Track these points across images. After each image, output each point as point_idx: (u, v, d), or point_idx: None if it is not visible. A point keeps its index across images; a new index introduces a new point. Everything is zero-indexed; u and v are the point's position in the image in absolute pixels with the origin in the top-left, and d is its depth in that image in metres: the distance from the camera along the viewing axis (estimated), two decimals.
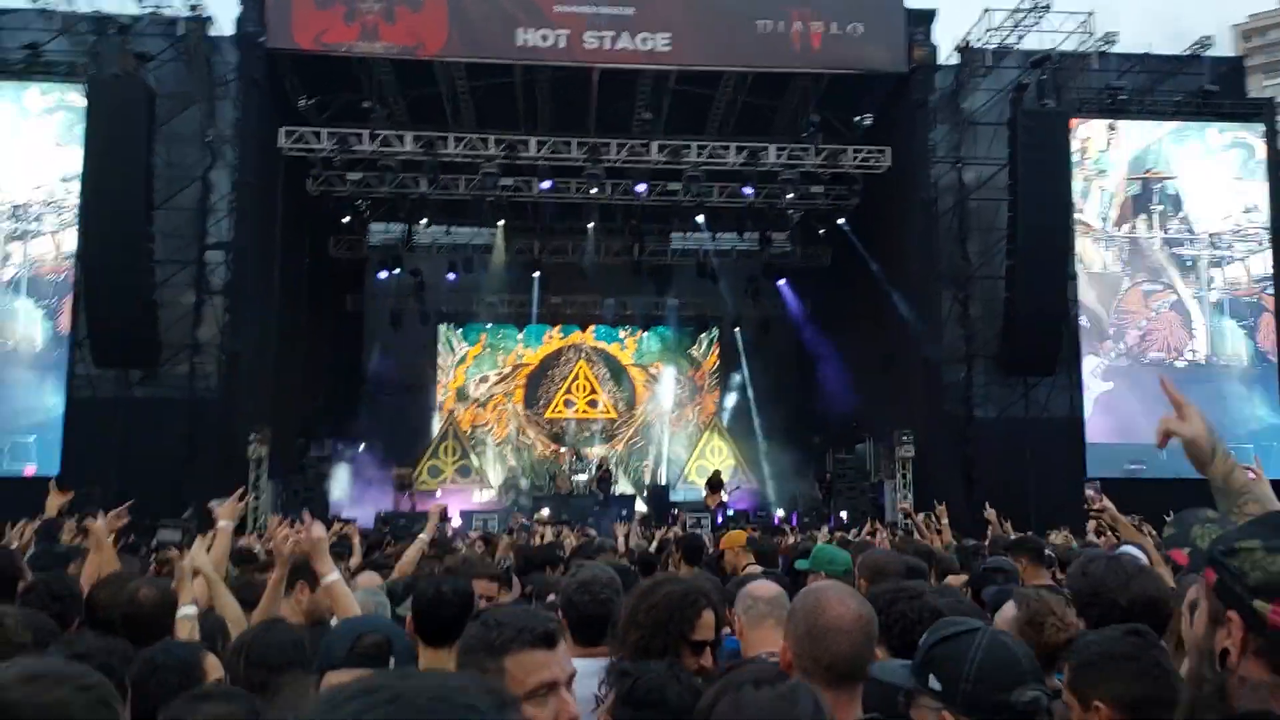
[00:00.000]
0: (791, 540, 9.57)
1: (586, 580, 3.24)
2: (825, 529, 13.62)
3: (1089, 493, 6.02)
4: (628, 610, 2.81)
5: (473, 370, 27.39)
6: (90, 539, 5.30)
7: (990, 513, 9.00)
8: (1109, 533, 8.72)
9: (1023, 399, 19.81)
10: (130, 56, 17.76)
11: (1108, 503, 5.92)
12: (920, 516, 9.79)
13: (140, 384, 18.48)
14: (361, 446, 23.37)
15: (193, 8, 18.78)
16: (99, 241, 17.72)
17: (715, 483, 21.25)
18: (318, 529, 3.64)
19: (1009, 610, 3.13)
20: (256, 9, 18.77)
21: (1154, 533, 9.66)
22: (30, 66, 18.57)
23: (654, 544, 9.77)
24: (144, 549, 9.57)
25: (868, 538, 9.69)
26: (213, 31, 19.20)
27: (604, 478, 22.61)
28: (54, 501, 5.89)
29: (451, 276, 24.85)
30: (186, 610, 3.48)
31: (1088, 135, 20.75)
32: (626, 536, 9.95)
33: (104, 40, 18.45)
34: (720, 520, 18.37)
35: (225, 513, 4.60)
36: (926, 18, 19.99)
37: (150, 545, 9.76)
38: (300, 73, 20.40)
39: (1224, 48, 21.18)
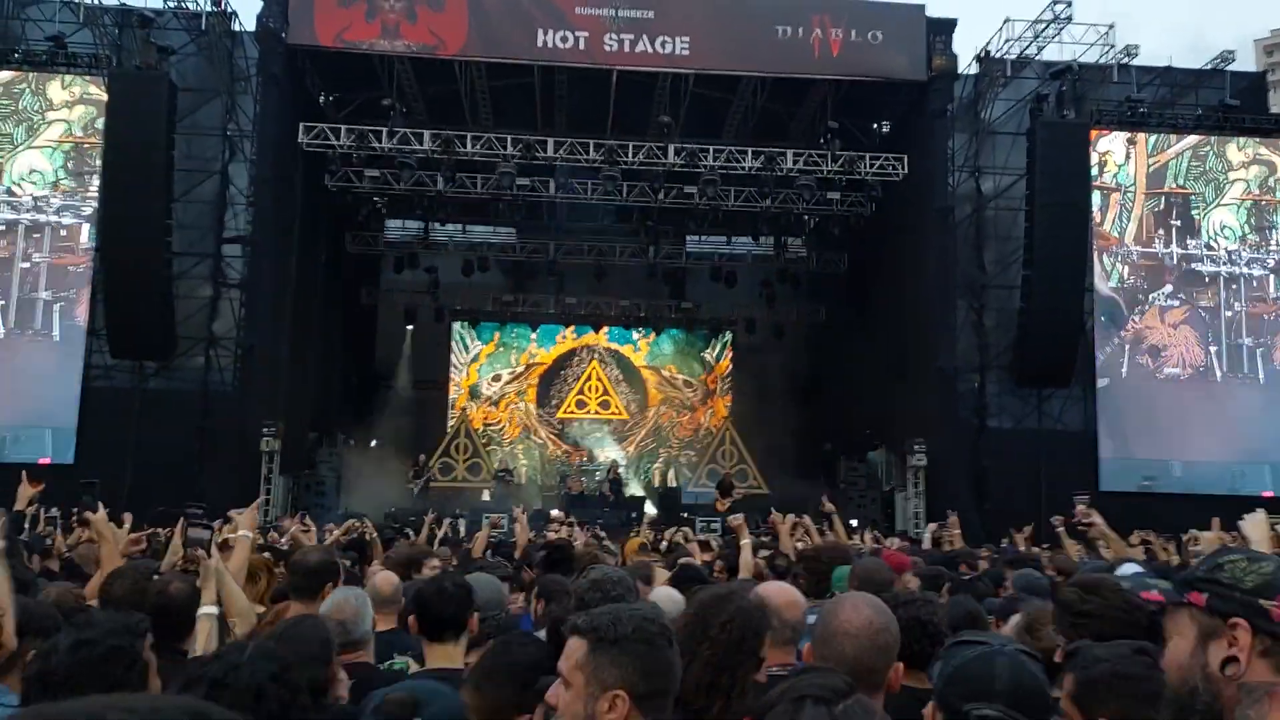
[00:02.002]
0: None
1: (599, 579, 3.25)
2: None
3: (1078, 506, 5.96)
4: (695, 623, 2.73)
5: (485, 369, 27.44)
6: (94, 531, 5.29)
7: (1027, 532, 8.95)
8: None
9: (1036, 410, 19.73)
10: (152, 50, 17.89)
11: (1097, 517, 5.86)
12: (932, 526, 9.76)
13: (155, 376, 18.61)
14: (374, 443, 23.43)
15: (215, 3, 18.94)
16: (118, 234, 17.84)
17: (726, 487, 21.20)
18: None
19: (1015, 618, 3.20)
20: (279, 5, 18.86)
21: (1168, 546, 9.62)
22: (54, 59, 18.72)
23: (663, 546, 9.75)
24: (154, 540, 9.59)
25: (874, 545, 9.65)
26: (235, 27, 19.35)
27: (615, 480, 22.59)
28: (24, 493, 5.82)
29: (467, 275, 24.91)
30: (208, 609, 3.52)
31: (1107, 149, 20.67)
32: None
33: (127, 33, 18.60)
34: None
35: (246, 522, 4.62)
36: (947, 26, 19.94)
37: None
38: (321, 69, 20.50)
39: (1246, 62, 21.04)
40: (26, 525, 6.37)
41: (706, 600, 2.80)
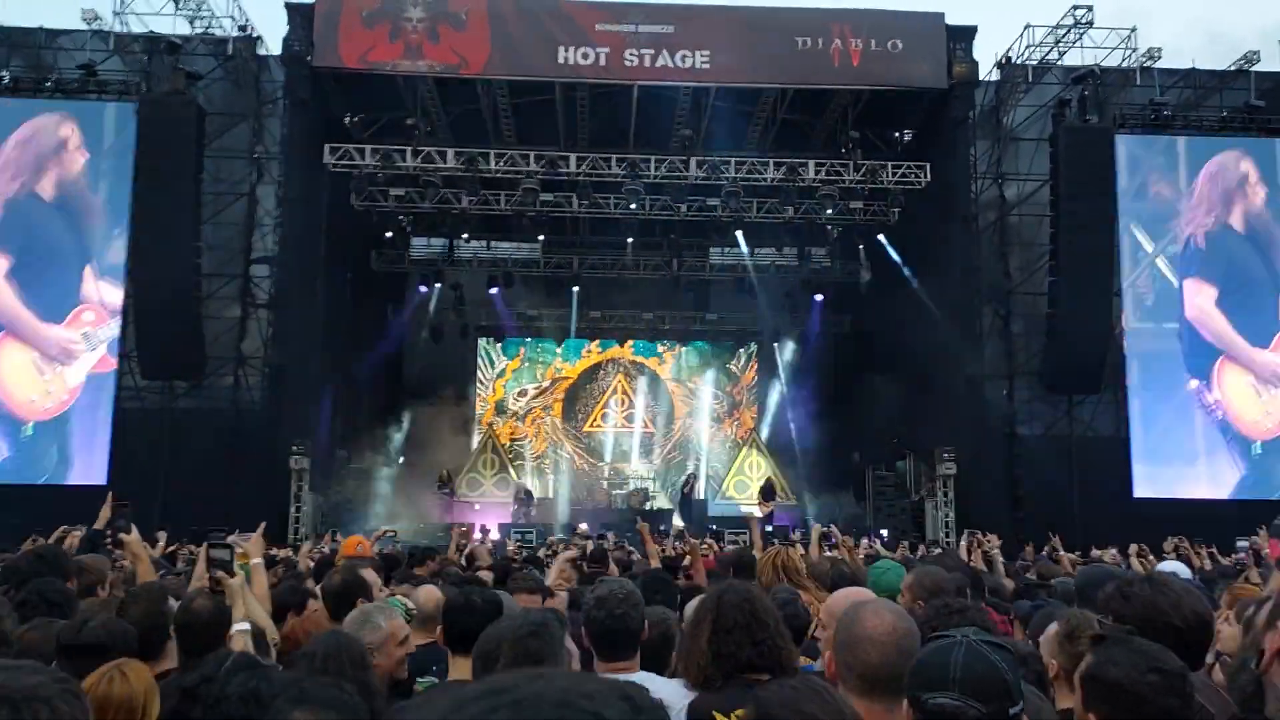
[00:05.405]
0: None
1: (603, 595, 3.22)
2: (865, 542, 13.45)
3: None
4: (697, 612, 2.82)
5: (511, 384, 27.55)
6: (127, 552, 5.37)
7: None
8: (1149, 557, 8.64)
9: (1066, 416, 19.55)
10: (181, 75, 18.16)
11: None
12: (965, 536, 9.65)
13: (186, 395, 18.81)
14: (401, 459, 23.56)
15: (242, 28, 19.22)
16: (148, 256, 18.09)
17: (768, 490, 21.54)
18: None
19: (1051, 627, 3.15)
20: (304, 28, 19.11)
21: (1199, 551, 9.50)
22: (85, 87, 19.05)
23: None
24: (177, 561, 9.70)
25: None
26: (261, 51, 19.62)
27: (688, 491, 22.76)
28: (106, 513, 5.99)
29: (492, 291, 25.07)
30: (241, 626, 3.56)
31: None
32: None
33: (156, 60, 18.89)
34: (768, 529, 18.28)
35: (255, 550, 4.59)
36: (967, 34, 19.89)
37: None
38: (345, 90, 20.71)
39: (1271, 61, 20.80)
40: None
41: (709, 594, 2.93)
